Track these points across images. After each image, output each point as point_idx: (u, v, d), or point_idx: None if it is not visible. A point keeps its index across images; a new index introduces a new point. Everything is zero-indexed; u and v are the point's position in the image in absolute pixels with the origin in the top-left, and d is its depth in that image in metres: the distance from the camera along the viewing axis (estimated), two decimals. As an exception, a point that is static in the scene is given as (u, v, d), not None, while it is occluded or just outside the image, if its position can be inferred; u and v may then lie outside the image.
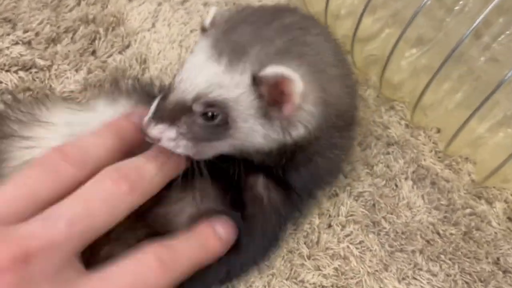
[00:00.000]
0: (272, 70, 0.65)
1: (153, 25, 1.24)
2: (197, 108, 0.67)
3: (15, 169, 0.71)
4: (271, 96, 0.68)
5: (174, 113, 0.68)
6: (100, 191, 0.60)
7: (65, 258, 0.53)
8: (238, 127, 0.70)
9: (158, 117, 0.68)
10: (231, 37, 0.68)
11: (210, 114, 0.68)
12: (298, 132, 0.73)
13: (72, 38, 1.15)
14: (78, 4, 1.21)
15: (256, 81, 0.66)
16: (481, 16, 0.89)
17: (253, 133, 0.71)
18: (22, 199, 0.56)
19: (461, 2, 1.03)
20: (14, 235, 0.50)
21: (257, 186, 0.82)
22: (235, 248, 0.79)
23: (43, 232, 0.52)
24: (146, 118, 0.68)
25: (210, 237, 0.73)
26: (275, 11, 0.77)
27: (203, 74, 0.67)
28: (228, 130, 0.70)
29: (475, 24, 0.89)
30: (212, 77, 0.66)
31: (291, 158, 0.77)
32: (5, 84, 1.03)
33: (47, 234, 0.52)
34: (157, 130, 0.67)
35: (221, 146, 0.73)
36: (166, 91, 0.71)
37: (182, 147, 0.69)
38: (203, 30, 0.74)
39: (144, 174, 0.66)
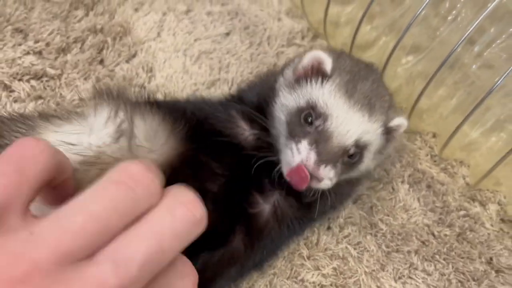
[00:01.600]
0: (398, 121, 0.88)
1: (159, 34, 1.28)
2: (352, 150, 0.83)
3: None
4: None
5: (336, 156, 0.80)
6: (173, 222, 0.48)
7: None
8: (363, 163, 0.88)
9: (323, 160, 0.78)
10: (360, 91, 0.85)
11: (354, 154, 0.84)
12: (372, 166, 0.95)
13: (81, 47, 1.19)
14: (87, 14, 1.26)
15: (387, 129, 0.88)
16: (473, 26, 0.93)
17: (367, 166, 0.91)
18: (95, 228, 0.44)
19: (454, 12, 1.06)
20: (85, 283, 0.43)
21: (275, 198, 0.88)
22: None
23: (115, 278, 0.43)
24: (314, 160, 0.77)
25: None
26: (369, 67, 0.95)
27: (357, 124, 0.82)
28: (357, 165, 0.87)
29: (466, 34, 0.93)
30: (363, 126, 0.83)
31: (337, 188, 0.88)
32: (18, 92, 1.07)
33: (118, 280, 0.43)
34: (324, 172, 0.78)
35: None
36: (313, 135, 0.81)
37: (332, 183, 0.81)
38: (324, 75, 0.86)
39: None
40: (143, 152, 0.75)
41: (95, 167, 0.69)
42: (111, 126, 0.74)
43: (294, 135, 0.82)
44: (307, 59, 0.89)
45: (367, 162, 0.89)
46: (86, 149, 0.70)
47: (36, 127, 0.74)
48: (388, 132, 0.89)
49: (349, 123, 0.82)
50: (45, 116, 0.80)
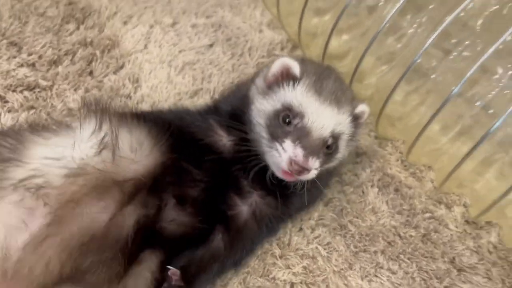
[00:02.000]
0: (362, 107, 0.98)
1: (145, 46, 1.36)
2: (329, 141, 0.92)
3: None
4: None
5: (318, 148, 0.89)
6: None
7: None
8: (339, 152, 0.97)
9: (309, 152, 0.86)
10: (327, 88, 0.94)
11: (331, 145, 0.93)
12: (346, 154, 1.02)
13: (71, 60, 1.26)
14: (78, 28, 1.33)
15: (354, 117, 0.97)
16: (428, 42, 0.99)
17: (342, 155, 0.99)
18: None
19: (415, 25, 1.12)
20: None
21: (253, 200, 0.95)
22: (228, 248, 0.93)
23: None
24: (302, 154, 0.85)
25: None
26: (329, 68, 1.06)
27: (330, 117, 0.91)
28: (335, 155, 0.96)
29: (423, 49, 1.00)
30: (335, 118, 0.92)
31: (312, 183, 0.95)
32: (11, 103, 1.14)
33: None
34: (312, 163, 0.86)
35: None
36: (294, 133, 0.89)
37: (316, 173, 0.89)
38: (295, 79, 0.95)
39: None
40: (126, 163, 0.82)
41: (81, 178, 0.77)
42: (94, 139, 0.81)
43: (276, 137, 0.90)
44: (276, 67, 0.97)
45: (342, 150, 0.98)
46: (70, 162, 0.77)
47: (25, 141, 0.81)
48: (355, 119, 0.98)
49: (323, 117, 0.91)
50: (35, 129, 0.87)
